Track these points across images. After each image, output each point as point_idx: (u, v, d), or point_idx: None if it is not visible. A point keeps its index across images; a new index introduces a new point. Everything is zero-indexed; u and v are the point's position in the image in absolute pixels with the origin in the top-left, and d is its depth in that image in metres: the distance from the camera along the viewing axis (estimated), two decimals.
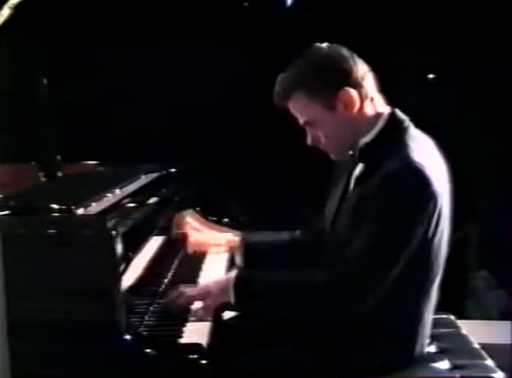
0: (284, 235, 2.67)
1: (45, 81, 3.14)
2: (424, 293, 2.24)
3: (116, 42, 4.58)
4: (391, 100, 2.30)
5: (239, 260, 2.67)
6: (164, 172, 3.24)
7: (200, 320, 2.21)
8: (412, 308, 2.24)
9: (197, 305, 2.28)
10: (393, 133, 2.21)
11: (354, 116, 2.21)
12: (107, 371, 2.00)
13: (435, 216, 2.14)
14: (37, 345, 2.01)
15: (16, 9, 2.50)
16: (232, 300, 2.19)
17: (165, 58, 4.58)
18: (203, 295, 2.25)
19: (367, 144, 2.24)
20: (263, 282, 2.23)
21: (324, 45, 2.26)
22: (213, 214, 3.31)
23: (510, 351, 3.24)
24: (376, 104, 2.25)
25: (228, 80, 4.55)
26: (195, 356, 1.98)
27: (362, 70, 2.23)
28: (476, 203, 4.55)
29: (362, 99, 2.21)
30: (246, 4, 4.72)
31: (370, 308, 2.10)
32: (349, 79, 2.20)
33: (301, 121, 2.28)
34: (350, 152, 2.30)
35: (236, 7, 4.71)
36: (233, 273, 2.27)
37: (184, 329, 2.14)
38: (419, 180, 2.08)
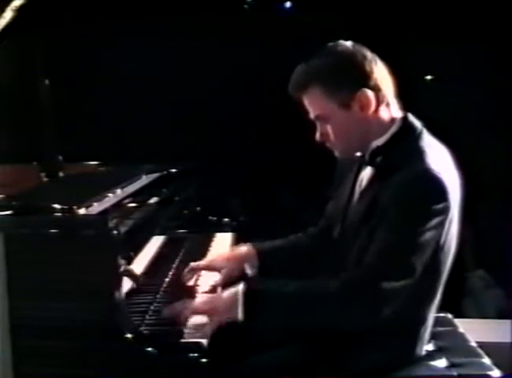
0: (290, 239, 2.62)
1: (47, 82, 3.14)
2: (430, 299, 2.25)
3: (117, 43, 4.60)
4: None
5: (249, 270, 2.56)
6: (164, 172, 3.24)
7: (200, 319, 2.21)
8: (417, 313, 2.24)
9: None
10: (406, 138, 2.19)
11: (368, 118, 2.18)
12: (108, 370, 2.00)
13: (447, 223, 2.13)
14: (39, 344, 2.02)
15: (19, 11, 2.52)
16: (240, 316, 2.09)
17: (166, 59, 4.59)
18: (209, 311, 2.15)
19: (379, 147, 2.21)
20: (273, 295, 2.14)
21: (349, 43, 2.22)
22: (213, 214, 3.32)
23: (506, 349, 3.26)
24: (391, 108, 2.22)
25: (228, 81, 4.57)
26: (196, 355, 1.99)
27: (382, 73, 2.20)
28: (473, 203, 4.56)
29: (379, 102, 2.18)
30: (245, 6, 4.73)
31: (385, 317, 2.06)
32: (368, 81, 2.16)
33: (312, 115, 2.24)
34: (359, 153, 2.29)
35: (236, 9, 4.72)
36: (240, 287, 2.14)
37: (185, 328, 2.14)
38: (437, 188, 2.07)
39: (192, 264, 2.54)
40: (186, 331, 2.12)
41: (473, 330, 2.71)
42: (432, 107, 4.24)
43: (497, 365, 2.34)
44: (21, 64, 3.19)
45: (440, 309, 2.67)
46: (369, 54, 2.20)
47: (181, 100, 4.60)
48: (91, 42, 4.58)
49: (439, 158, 2.14)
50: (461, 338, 2.57)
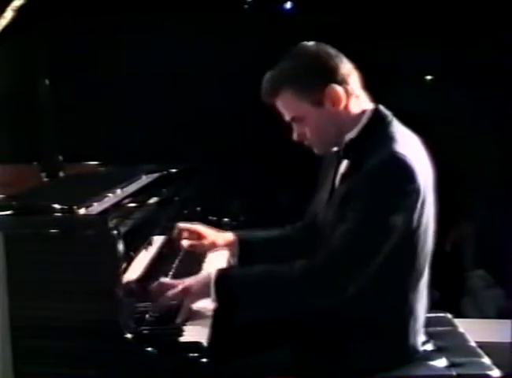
0: (275, 231, 2.68)
1: (47, 82, 3.15)
2: (413, 286, 2.25)
3: (117, 43, 4.60)
4: (388, 97, 2.33)
5: (232, 258, 2.68)
6: (164, 172, 3.24)
7: (200, 319, 2.22)
8: (401, 301, 2.25)
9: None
10: (376, 128, 2.25)
11: (340, 113, 2.25)
12: (108, 370, 2.01)
13: (419, 206, 2.16)
14: (39, 344, 2.02)
15: (19, 11, 2.52)
16: (213, 297, 2.20)
17: (166, 59, 4.60)
18: (183, 294, 2.24)
19: (351, 140, 2.27)
20: (244, 277, 2.26)
21: (311, 43, 2.30)
22: (213, 214, 3.32)
23: (506, 349, 3.26)
24: (361, 100, 2.29)
25: (228, 81, 4.57)
26: (196, 355, 1.99)
27: (347, 68, 2.27)
28: (473, 203, 4.57)
29: (348, 96, 2.25)
30: (246, 6, 4.73)
31: (349, 297, 2.12)
32: (335, 76, 2.24)
33: (287, 118, 2.31)
34: (336, 148, 2.34)
35: (236, 9, 4.73)
36: (213, 271, 2.26)
37: (185, 328, 2.15)
38: (402, 171, 2.12)
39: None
40: (185, 330, 2.12)
41: (473, 330, 2.71)
42: (425, 104, 4.27)
43: (497, 365, 2.34)
44: (21, 64, 3.19)
45: (440, 308, 2.68)
46: (332, 51, 2.27)
47: (181, 100, 4.60)
48: (91, 42, 4.58)
49: (407, 143, 2.20)
50: (461, 338, 2.57)
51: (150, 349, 2.00)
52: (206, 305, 2.27)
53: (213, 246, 2.66)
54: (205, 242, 2.65)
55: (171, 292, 2.24)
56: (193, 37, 4.63)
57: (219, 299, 2.21)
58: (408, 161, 2.12)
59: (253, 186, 4.61)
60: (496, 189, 4.43)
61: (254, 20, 4.73)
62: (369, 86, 2.33)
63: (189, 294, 2.24)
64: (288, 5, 4.82)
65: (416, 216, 2.17)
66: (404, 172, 2.12)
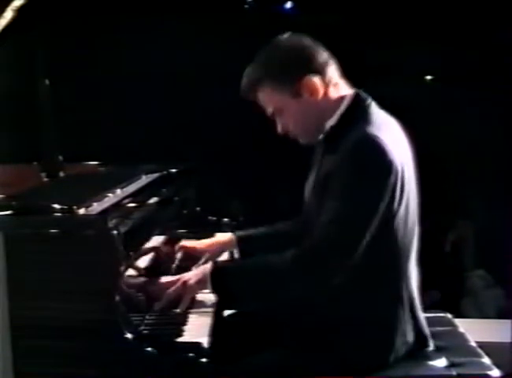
0: (275, 226, 2.71)
1: (47, 82, 3.14)
2: (399, 271, 2.25)
3: (117, 43, 4.60)
4: (389, 95, 2.35)
5: (236, 256, 2.70)
6: (164, 172, 3.24)
7: (200, 319, 2.23)
8: (388, 286, 2.25)
9: None
10: (355, 113, 2.26)
11: (319, 102, 2.27)
12: (108, 370, 2.01)
13: (398, 187, 2.16)
14: (39, 344, 2.03)
15: (19, 11, 2.52)
16: (209, 288, 2.24)
17: (166, 59, 4.60)
18: (182, 287, 2.28)
19: (332, 127, 2.29)
20: (238, 268, 2.32)
21: (286, 35, 2.32)
22: (213, 214, 3.32)
23: (506, 349, 3.26)
24: (340, 88, 2.30)
25: (228, 81, 4.57)
26: (195, 355, 1.99)
27: (324, 57, 2.28)
28: (472, 203, 4.57)
29: (326, 85, 2.27)
30: (246, 6, 4.74)
31: (337, 285, 2.14)
32: (311, 67, 2.25)
33: (269, 111, 2.33)
34: (321, 136, 2.35)
35: (236, 9, 4.73)
36: (209, 264, 2.32)
37: (185, 328, 2.16)
38: (375, 151, 2.13)
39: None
40: (185, 330, 2.13)
41: (473, 330, 2.71)
42: (425, 102, 4.27)
43: (497, 365, 2.34)
44: (21, 64, 3.19)
45: (440, 308, 2.68)
46: (307, 42, 2.29)
47: (181, 100, 4.61)
48: (91, 42, 4.58)
49: (382, 125, 2.21)
50: (461, 338, 2.57)
51: (150, 349, 2.00)
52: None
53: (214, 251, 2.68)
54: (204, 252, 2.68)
55: (171, 289, 2.27)
56: (193, 37, 4.64)
57: (216, 291, 2.24)
58: (380, 141, 2.13)
59: (253, 186, 4.61)
60: (496, 189, 4.43)
61: (254, 20, 4.74)
62: (368, 84, 2.33)
63: (188, 286, 2.27)
64: (288, 5, 4.82)
65: (396, 197, 2.17)
66: (377, 152, 2.12)
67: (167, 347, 2.02)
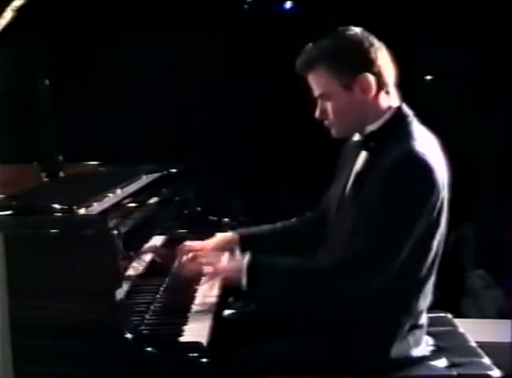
0: (281, 224, 2.71)
1: (47, 82, 3.15)
2: (421, 286, 2.27)
3: (117, 43, 4.60)
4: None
5: (238, 255, 2.69)
6: (164, 172, 3.24)
7: (200, 319, 2.23)
8: (407, 301, 2.27)
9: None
10: (398, 125, 2.27)
11: (367, 102, 2.28)
12: (108, 370, 2.01)
13: (438, 205, 2.19)
14: (39, 344, 2.02)
15: (19, 11, 2.52)
16: (244, 283, 2.22)
17: (166, 59, 4.60)
18: (213, 275, 2.34)
19: (372, 132, 2.29)
20: (270, 269, 2.28)
21: (358, 29, 2.32)
22: (213, 214, 3.32)
23: (506, 349, 3.26)
24: (390, 96, 2.31)
25: (228, 81, 4.57)
26: (196, 354, 1.99)
27: (386, 61, 2.30)
28: (472, 203, 4.57)
29: (379, 88, 2.28)
30: (245, 6, 4.73)
31: (373, 292, 2.17)
32: (372, 67, 2.26)
33: (316, 93, 2.33)
34: (356, 138, 2.36)
35: (236, 9, 4.73)
36: (246, 257, 2.29)
37: (185, 328, 2.15)
38: (422, 168, 2.14)
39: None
40: (185, 330, 2.13)
41: (473, 330, 2.71)
42: (427, 102, 4.27)
43: (497, 364, 2.34)
44: (21, 64, 3.19)
45: (440, 308, 2.68)
46: (376, 42, 2.30)
47: (181, 100, 4.61)
48: (91, 42, 4.58)
49: (426, 144, 2.21)
50: (461, 338, 2.57)
51: (150, 349, 2.00)
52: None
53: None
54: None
55: (204, 264, 2.34)
56: (193, 37, 4.64)
57: (249, 286, 2.22)
58: (427, 159, 2.14)
59: (253, 186, 4.61)
60: (496, 189, 4.43)
61: (254, 20, 4.74)
62: None
63: (219, 271, 2.33)
64: (288, 5, 4.82)
65: (435, 214, 2.19)
66: (423, 169, 2.14)
67: (167, 347, 2.02)
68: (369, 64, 2.26)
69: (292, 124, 2.32)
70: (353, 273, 2.18)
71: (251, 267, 2.24)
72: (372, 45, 2.28)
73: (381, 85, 2.28)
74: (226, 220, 3.29)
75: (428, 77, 4.80)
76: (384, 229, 2.15)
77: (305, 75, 2.33)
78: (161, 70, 4.63)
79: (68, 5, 4.20)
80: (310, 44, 2.33)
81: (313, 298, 2.25)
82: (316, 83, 2.32)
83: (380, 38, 2.31)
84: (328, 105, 2.31)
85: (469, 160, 4.41)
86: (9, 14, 2.46)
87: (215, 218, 3.31)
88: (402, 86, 2.33)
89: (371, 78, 2.26)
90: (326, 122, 2.34)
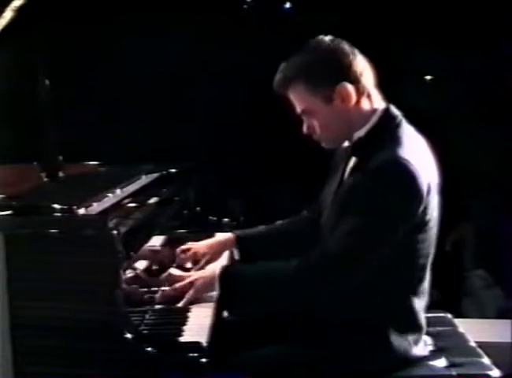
0: (274, 225, 2.73)
1: (47, 82, 3.15)
2: (413, 288, 2.27)
3: (117, 43, 4.60)
4: (389, 97, 2.34)
5: (236, 256, 2.71)
6: (164, 172, 3.25)
7: (200, 319, 2.22)
8: (400, 303, 2.27)
9: None
10: (386, 128, 2.26)
11: (350, 110, 2.26)
12: (108, 369, 2.00)
13: (420, 212, 2.17)
14: (39, 344, 2.02)
15: (19, 11, 2.52)
16: (216, 291, 2.25)
17: (166, 59, 4.60)
18: (189, 287, 2.31)
19: (360, 138, 2.28)
20: (245, 273, 2.32)
21: (327, 38, 2.30)
22: (213, 214, 3.32)
23: (506, 349, 3.26)
24: (372, 99, 2.29)
25: (228, 81, 4.57)
26: (195, 354, 1.99)
27: (361, 66, 2.27)
28: (472, 202, 4.57)
29: (359, 94, 2.26)
30: (245, 6, 4.74)
31: (342, 292, 2.17)
32: (348, 75, 2.24)
33: (298, 110, 2.32)
34: (346, 144, 2.35)
35: (236, 9, 4.73)
36: (218, 266, 2.34)
37: (184, 328, 2.15)
38: (402, 178, 2.13)
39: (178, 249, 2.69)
40: (185, 330, 2.13)
41: (473, 330, 2.71)
42: (424, 103, 4.27)
43: (497, 364, 2.34)
44: (21, 63, 3.19)
45: (440, 308, 2.68)
46: (347, 48, 2.27)
47: (181, 100, 4.61)
48: (91, 41, 4.58)
49: (412, 147, 2.20)
50: (461, 338, 2.57)
51: (150, 349, 2.00)
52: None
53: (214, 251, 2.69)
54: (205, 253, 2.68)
55: (179, 284, 2.31)
56: (193, 37, 4.64)
57: (223, 294, 2.25)
58: (410, 166, 2.13)
59: (253, 186, 4.61)
60: (496, 189, 4.43)
61: (254, 20, 4.74)
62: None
63: (195, 286, 2.30)
64: (288, 5, 4.82)
65: (416, 221, 2.19)
66: (405, 177, 2.13)
67: (167, 347, 2.02)
68: (344, 74, 2.24)
69: (292, 124, 2.32)
70: (316, 270, 2.17)
71: (223, 276, 2.26)
72: (343, 52, 2.26)
73: (361, 91, 2.26)
74: (226, 220, 3.29)
75: (427, 77, 4.81)
76: (358, 232, 2.14)
77: (284, 94, 2.32)
78: (160, 70, 4.63)
79: (68, 5, 4.20)
80: (283, 63, 2.31)
81: (281, 300, 2.26)
82: (295, 99, 2.31)
83: (380, 39, 2.30)
84: (313, 120, 2.30)
85: (469, 160, 4.42)
86: (9, 14, 2.46)
87: (215, 218, 3.31)
88: (398, 87, 2.33)
89: (349, 86, 2.23)
90: (314, 136, 2.33)
